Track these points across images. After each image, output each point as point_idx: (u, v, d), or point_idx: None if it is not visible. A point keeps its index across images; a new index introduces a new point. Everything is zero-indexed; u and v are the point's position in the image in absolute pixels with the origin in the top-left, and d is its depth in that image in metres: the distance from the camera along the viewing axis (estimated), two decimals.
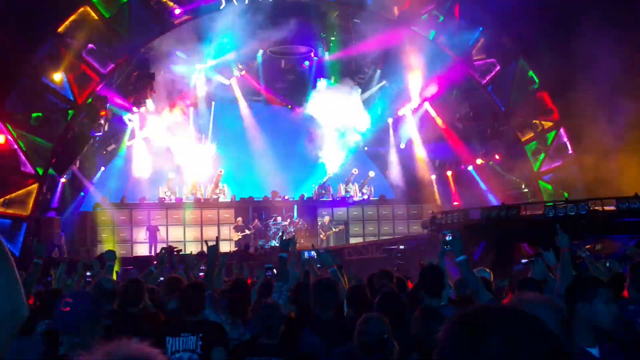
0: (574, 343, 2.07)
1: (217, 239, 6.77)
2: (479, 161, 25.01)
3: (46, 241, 19.25)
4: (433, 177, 26.96)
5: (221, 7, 21.54)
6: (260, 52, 24.70)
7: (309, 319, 5.46)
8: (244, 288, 6.77)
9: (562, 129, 23.33)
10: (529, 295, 2.27)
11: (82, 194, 24.02)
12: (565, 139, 23.38)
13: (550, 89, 23.10)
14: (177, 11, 21.10)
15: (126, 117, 23.48)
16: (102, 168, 24.33)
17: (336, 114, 25.39)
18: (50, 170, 20.31)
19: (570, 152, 23.17)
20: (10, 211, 19.35)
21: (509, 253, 16.92)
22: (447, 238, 4.98)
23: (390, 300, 5.33)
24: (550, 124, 23.80)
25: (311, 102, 25.63)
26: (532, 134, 24.19)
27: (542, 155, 23.93)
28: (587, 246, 15.98)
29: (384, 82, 25.91)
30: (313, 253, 8.52)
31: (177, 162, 24.69)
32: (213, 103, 26.17)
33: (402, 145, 27.15)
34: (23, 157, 19.40)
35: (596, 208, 16.97)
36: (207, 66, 24.39)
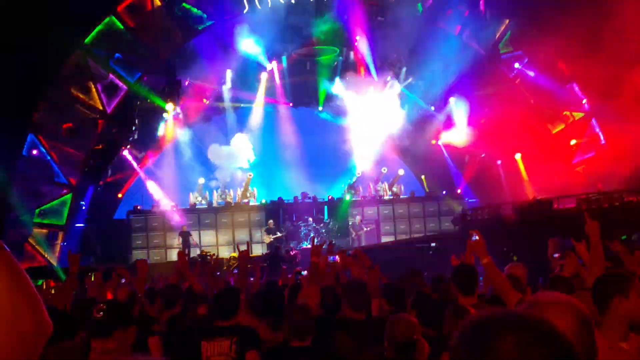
0: (594, 342, 2.05)
1: (249, 244, 6.83)
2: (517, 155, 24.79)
3: (82, 250, 19.56)
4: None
5: (245, 11, 21.67)
6: (285, 54, 24.79)
7: (340, 320, 5.47)
8: (278, 290, 6.82)
9: (594, 119, 23.01)
10: (545, 295, 2.24)
11: (115, 202, 24.37)
12: (598, 130, 23.05)
13: (580, 79, 22.80)
14: (202, 18, 21.35)
15: (156, 123, 23.77)
16: (134, 175, 24.62)
17: (370, 108, 25.35)
18: (83, 180, 20.63)
19: (602, 142, 22.84)
20: (45, 221, 19.70)
21: (543, 248, 16.72)
22: (472, 239, 4.93)
23: (423, 300, 5.33)
24: (581, 114, 23.51)
25: (341, 94, 25.73)
26: (562, 126, 23.91)
27: (575, 147, 23.63)
28: (623, 236, 15.76)
29: (410, 79, 25.80)
30: (337, 258, 8.53)
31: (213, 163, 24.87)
32: (240, 106, 26.30)
33: (433, 142, 26.98)
34: (56, 168, 19.74)
35: (630, 199, 16.74)
36: (233, 70, 24.54)
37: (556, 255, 7.38)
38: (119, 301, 4.46)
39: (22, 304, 1.57)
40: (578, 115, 23.59)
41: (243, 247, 6.65)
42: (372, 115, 25.48)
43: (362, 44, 24.72)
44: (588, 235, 5.07)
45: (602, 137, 22.86)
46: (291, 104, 27.24)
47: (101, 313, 3.63)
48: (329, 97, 26.81)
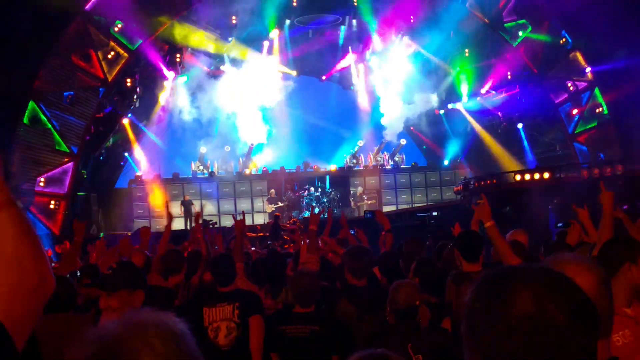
0: (612, 304, 2.06)
1: (244, 213, 6.86)
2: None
3: (83, 218, 19.60)
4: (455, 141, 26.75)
5: None
6: (288, 22, 24.56)
7: (342, 286, 5.49)
8: (280, 258, 6.84)
9: (597, 88, 22.88)
10: (566, 255, 2.25)
11: (116, 170, 24.36)
12: (601, 99, 22.94)
13: (583, 49, 22.65)
14: None
15: (157, 92, 23.62)
16: (136, 144, 24.57)
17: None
18: (85, 148, 20.59)
19: (605, 112, 22.74)
20: (47, 189, 19.70)
21: (544, 216, 16.76)
22: (478, 202, 4.92)
23: (425, 267, 5.33)
24: (584, 84, 23.38)
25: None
26: (565, 95, 23.79)
27: (577, 117, 23.54)
28: (625, 206, 15.76)
29: (413, 47, 25.58)
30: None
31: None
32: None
33: (441, 111, 26.84)
34: (57, 136, 19.70)
35: (632, 168, 16.75)
36: (235, 38, 24.27)
37: (560, 224, 7.37)
38: (132, 263, 4.51)
39: (28, 259, 1.60)
40: (581, 84, 23.46)
41: (239, 217, 6.66)
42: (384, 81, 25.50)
43: (366, 13, 24.50)
44: (600, 204, 5.05)
45: (604, 107, 22.75)
46: (294, 73, 27.04)
47: (110, 270, 3.71)
48: (332, 66, 26.80)
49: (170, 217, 7.47)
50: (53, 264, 8.98)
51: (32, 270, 1.60)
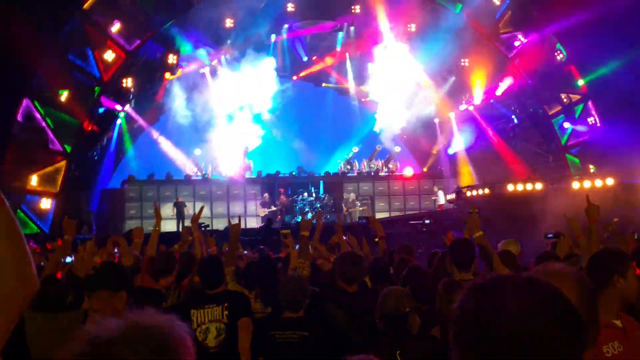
0: (599, 315, 2.07)
1: (240, 218, 6.85)
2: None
3: (75, 218, 19.48)
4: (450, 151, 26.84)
5: None
6: (286, 26, 24.59)
7: (333, 292, 5.48)
8: (271, 262, 6.83)
9: (590, 101, 22.99)
10: (554, 266, 2.26)
11: (110, 170, 24.28)
12: (593, 112, 23.04)
13: (578, 62, 22.74)
14: None
15: (153, 92, 23.59)
16: (130, 145, 24.50)
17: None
18: (78, 147, 20.52)
19: (598, 125, 22.84)
20: (39, 188, 19.61)
21: (535, 226, 16.77)
22: (472, 213, 4.95)
23: (415, 275, 5.33)
24: (577, 97, 23.48)
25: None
26: (559, 107, 23.89)
27: (570, 129, 23.63)
28: (615, 219, 15.80)
29: (410, 57, 25.64)
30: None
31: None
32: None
33: (436, 120, 26.94)
34: (51, 135, 19.62)
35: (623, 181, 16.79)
36: (233, 41, 24.26)
37: (550, 235, 7.40)
38: (115, 263, 4.47)
39: (9, 261, 1.56)
40: (575, 97, 23.57)
41: (235, 222, 6.65)
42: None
43: (363, 19, 24.56)
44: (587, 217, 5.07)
45: (597, 120, 22.85)
46: (290, 78, 27.04)
47: (92, 270, 3.69)
48: (328, 72, 26.86)
49: (158, 219, 7.39)
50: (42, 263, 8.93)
51: (12, 272, 1.56)
